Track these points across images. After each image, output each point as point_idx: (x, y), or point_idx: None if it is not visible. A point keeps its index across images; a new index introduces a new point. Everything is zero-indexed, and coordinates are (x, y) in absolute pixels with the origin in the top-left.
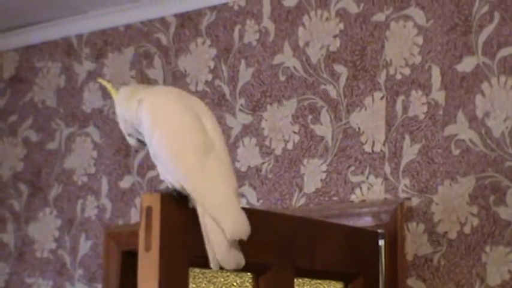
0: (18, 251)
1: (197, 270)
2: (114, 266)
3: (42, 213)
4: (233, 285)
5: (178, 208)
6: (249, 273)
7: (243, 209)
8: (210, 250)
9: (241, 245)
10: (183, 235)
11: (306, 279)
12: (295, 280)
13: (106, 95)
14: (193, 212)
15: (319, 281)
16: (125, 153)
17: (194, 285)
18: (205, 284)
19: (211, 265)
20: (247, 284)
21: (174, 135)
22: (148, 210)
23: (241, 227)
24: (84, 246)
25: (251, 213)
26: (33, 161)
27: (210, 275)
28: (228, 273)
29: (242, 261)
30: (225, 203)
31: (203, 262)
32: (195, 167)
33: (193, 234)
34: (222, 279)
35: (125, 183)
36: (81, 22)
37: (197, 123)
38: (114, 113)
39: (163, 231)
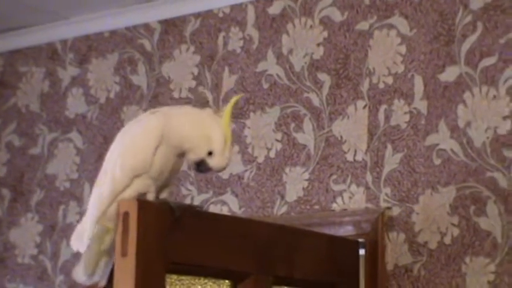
0: None
1: (174, 276)
2: None
3: (24, 219)
4: None
5: (156, 214)
6: (227, 281)
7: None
8: None
9: (221, 252)
10: (160, 241)
11: (285, 287)
12: None
13: (90, 101)
14: (171, 218)
15: None
16: None
17: None
18: None
19: None
20: None
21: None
22: (125, 216)
23: None
24: (66, 252)
25: (229, 220)
26: (16, 166)
27: (188, 281)
28: (206, 280)
29: None
30: None
31: (180, 268)
32: None
33: (170, 240)
34: (200, 286)
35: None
36: (65, 27)
37: None
38: (97, 118)
39: (140, 237)
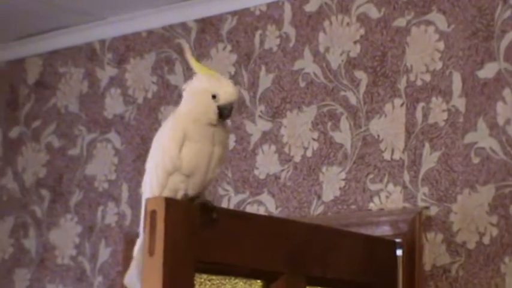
0: (39, 257)
1: (204, 276)
2: None
3: (64, 219)
4: None
5: (184, 212)
6: (258, 281)
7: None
8: None
9: (252, 251)
10: (189, 240)
11: None
12: None
13: (127, 101)
14: (200, 216)
15: None
16: (145, 159)
17: None
18: None
19: None
20: None
21: None
22: (153, 214)
23: None
24: (104, 253)
25: (261, 220)
26: (55, 167)
27: (218, 281)
28: (237, 280)
29: None
30: None
31: (210, 268)
32: None
33: (199, 239)
34: (230, 286)
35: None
36: (103, 27)
37: None
38: (135, 119)
39: (168, 236)
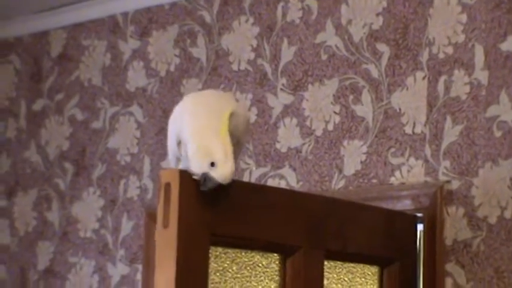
0: (62, 230)
1: (220, 249)
2: (155, 248)
3: (86, 193)
4: (258, 266)
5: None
6: (275, 254)
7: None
8: None
9: (269, 225)
10: (204, 213)
11: (338, 262)
12: (325, 263)
13: (150, 74)
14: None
15: (352, 265)
16: (167, 133)
17: (216, 265)
18: (227, 263)
19: None
20: (274, 266)
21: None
22: (167, 187)
23: None
24: (126, 226)
25: (279, 192)
26: (79, 140)
27: (233, 254)
28: (253, 254)
29: None
30: None
31: (225, 241)
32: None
33: (214, 213)
34: (246, 260)
35: (167, 163)
36: (126, 0)
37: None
38: (157, 92)
39: (182, 208)
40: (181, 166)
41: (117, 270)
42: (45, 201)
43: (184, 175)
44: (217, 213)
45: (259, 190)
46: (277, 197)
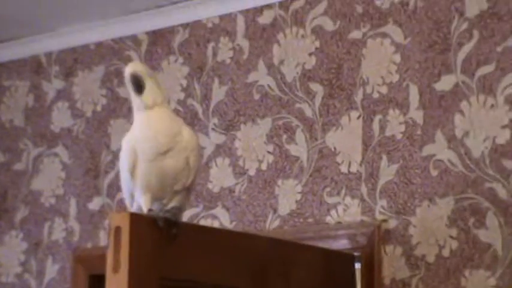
0: None
1: None
2: None
3: (8, 236)
4: None
5: (149, 228)
6: None
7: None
8: None
9: (215, 267)
10: (154, 256)
11: None
12: None
13: (75, 114)
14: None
15: None
16: (94, 174)
17: None
18: None
19: None
20: None
21: None
22: (117, 230)
23: None
24: (51, 270)
25: (224, 234)
26: (0, 182)
27: None
28: None
29: None
30: None
31: (173, 285)
32: None
33: (164, 255)
34: None
35: (94, 204)
36: (50, 40)
37: None
38: (83, 132)
39: (133, 252)
40: (135, 204)
41: None
42: None
43: (135, 218)
44: (167, 256)
45: (206, 231)
46: (223, 238)
